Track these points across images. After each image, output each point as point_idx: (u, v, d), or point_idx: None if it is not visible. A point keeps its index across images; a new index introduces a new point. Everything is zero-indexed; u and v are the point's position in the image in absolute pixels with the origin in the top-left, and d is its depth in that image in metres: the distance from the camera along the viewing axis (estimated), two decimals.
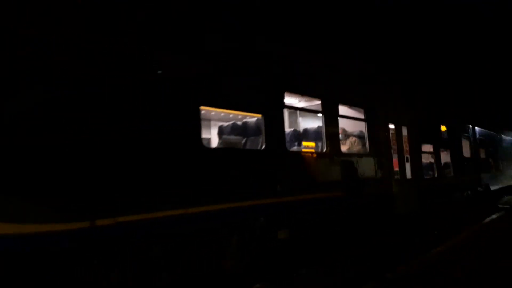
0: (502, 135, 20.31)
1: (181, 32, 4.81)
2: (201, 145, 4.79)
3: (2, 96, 3.27)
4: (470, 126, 15.07)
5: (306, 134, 7.29)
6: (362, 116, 8.14)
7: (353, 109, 8.17)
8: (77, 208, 3.45)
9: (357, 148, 8.08)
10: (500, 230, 8.88)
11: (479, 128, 16.01)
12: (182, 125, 4.46)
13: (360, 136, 8.25)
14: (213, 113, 4.95)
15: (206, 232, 4.62)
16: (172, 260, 4.33)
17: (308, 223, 6.17)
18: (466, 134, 14.39)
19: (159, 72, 4.32)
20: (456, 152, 12.80)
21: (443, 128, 12.35)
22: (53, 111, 3.45)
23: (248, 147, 5.93)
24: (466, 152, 13.94)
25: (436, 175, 11.07)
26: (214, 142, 6.25)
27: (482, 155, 15.97)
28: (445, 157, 11.97)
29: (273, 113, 5.80)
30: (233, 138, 5.89)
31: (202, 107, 4.81)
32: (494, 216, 10.96)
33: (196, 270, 4.57)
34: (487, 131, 17.45)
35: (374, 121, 8.27)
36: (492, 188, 15.59)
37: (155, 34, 4.46)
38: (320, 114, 7.02)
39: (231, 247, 4.97)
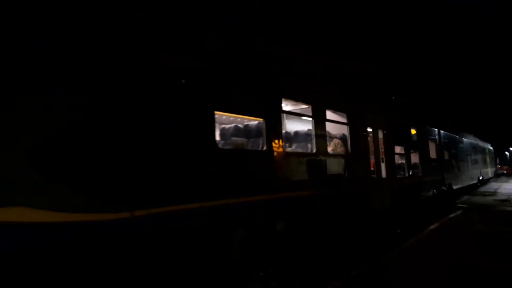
0: (462, 138, 21.95)
1: (205, 54, 5.43)
2: (215, 146, 5.40)
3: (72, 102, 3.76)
4: (436, 129, 16.36)
5: (297, 137, 8.01)
6: (345, 120, 9.00)
7: (337, 113, 8.99)
8: (121, 201, 3.98)
9: (340, 149, 8.89)
10: (458, 227, 9.96)
11: (443, 131, 17.36)
12: (202, 128, 5.07)
13: (342, 139, 9.07)
14: (216, 116, 5.53)
15: (217, 225, 5.24)
16: (190, 249, 4.92)
17: (301, 217, 6.89)
18: (432, 137, 15.61)
19: (183, 81, 4.90)
20: (424, 154, 13.96)
21: (413, 131, 13.46)
22: (106, 122, 3.99)
23: (249, 148, 6.57)
24: (432, 153, 15.19)
25: (406, 175, 12.13)
26: (222, 143, 6.85)
27: (446, 157, 17.32)
28: (414, 158, 13.06)
29: (273, 117, 6.49)
30: (240, 139, 6.51)
31: (216, 112, 5.43)
32: (452, 215, 12.04)
33: (207, 260, 5.16)
34: (449, 133, 18.87)
35: (355, 125, 9.15)
36: (454, 187, 17.02)
37: (186, 56, 5.07)
38: (309, 118, 7.81)
39: (237, 238, 5.61)
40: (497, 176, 41.58)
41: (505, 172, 52.93)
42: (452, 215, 11.81)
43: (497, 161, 51.00)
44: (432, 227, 9.73)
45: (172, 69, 4.76)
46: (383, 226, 9.78)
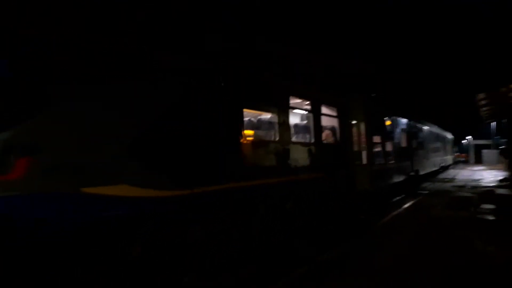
0: (427, 128, 24.01)
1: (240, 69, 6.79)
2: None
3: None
4: (405, 120, 18.14)
5: (298, 128, 9.28)
6: (335, 114, 10.40)
7: (329, 108, 10.34)
8: (185, 182, 5.23)
9: (331, 139, 10.30)
10: (419, 212, 11.68)
11: (411, 122, 19.16)
12: (235, 123, 6.30)
13: (332, 129, 10.46)
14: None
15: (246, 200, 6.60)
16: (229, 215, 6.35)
17: (303, 196, 8.28)
18: (402, 127, 17.36)
19: (222, 84, 6.06)
20: (396, 143, 15.67)
21: (387, 122, 15.11)
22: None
23: (266, 139, 7.82)
24: (403, 142, 16.96)
25: (382, 162, 13.77)
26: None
27: (414, 145, 19.22)
28: (388, 146, 14.72)
29: (283, 112, 7.75)
30: (261, 132, 7.75)
31: (244, 110, 6.64)
32: (415, 200, 13.83)
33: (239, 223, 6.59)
34: (416, 124, 20.74)
35: (343, 118, 10.57)
36: (421, 173, 19.06)
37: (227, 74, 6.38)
38: (306, 112, 9.15)
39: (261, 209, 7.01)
40: (455, 163, 45.08)
41: (462, 159, 57.19)
42: (415, 201, 13.58)
43: (456, 149, 54.84)
44: (395, 212, 11.43)
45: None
46: (362, 205, 11.39)
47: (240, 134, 6.43)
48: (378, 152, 13.87)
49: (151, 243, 4.86)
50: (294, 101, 9.01)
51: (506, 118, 23.82)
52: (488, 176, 26.06)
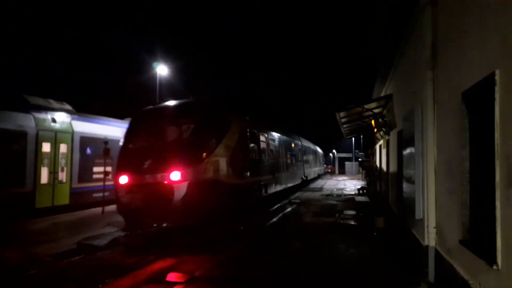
0: (303, 143, 26.66)
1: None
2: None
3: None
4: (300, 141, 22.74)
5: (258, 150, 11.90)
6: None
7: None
8: (241, 177, 11.75)
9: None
10: (292, 219, 12.63)
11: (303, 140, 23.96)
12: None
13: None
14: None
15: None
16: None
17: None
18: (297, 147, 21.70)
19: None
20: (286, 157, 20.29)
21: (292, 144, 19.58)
22: None
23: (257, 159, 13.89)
24: (297, 157, 23.47)
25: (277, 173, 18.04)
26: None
27: (304, 158, 25.30)
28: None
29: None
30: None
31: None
32: (289, 209, 15.02)
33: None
34: (296, 140, 24.40)
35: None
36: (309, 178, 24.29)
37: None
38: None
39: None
40: (324, 173, 50.14)
41: (329, 170, 63.86)
42: (288, 209, 14.57)
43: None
44: (273, 220, 12.15)
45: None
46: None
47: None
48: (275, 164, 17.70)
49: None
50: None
51: (362, 134, 27.42)
52: (350, 185, 29.56)
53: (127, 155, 10.32)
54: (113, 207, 10.71)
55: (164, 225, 9.22)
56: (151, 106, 11.85)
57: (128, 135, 10.99)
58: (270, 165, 16.03)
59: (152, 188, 9.15)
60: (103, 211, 13.04)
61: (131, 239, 9.00)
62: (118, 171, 9.92)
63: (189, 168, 9.27)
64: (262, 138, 15.07)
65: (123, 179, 9.59)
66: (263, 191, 14.79)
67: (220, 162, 10.51)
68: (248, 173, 12.72)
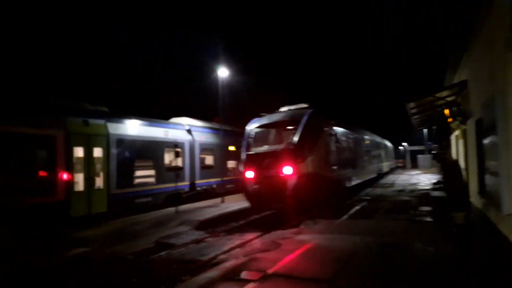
0: (364, 136, 25.24)
1: None
2: None
3: None
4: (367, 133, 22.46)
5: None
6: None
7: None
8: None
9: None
10: (364, 214, 12.22)
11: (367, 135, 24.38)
12: None
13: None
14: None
15: None
16: None
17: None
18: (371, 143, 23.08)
19: None
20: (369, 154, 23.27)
21: (366, 141, 20.98)
22: None
23: None
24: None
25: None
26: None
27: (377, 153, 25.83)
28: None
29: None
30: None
31: None
32: (359, 207, 14.55)
33: None
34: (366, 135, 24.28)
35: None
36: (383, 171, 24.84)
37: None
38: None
39: None
40: (395, 168, 47.82)
41: (400, 164, 60.64)
42: (357, 207, 14.13)
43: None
44: (344, 217, 11.88)
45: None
46: None
47: None
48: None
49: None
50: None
51: (435, 125, 25.70)
52: (424, 179, 27.82)
53: (250, 155, 13.55)
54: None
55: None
56: (264, 114, 14.99)
57: (248, 138, 14.25)
58: (350, 160, 18.41)
59: (272, 180, 12.51)
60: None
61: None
62: (245, 168, 13.29)
63: (298, 164, 12.35)
64: (343, 138, 17.38)
65: (250, 174, 13.14)
66: (346, 182, 17.35)
67: (318, 159, 13.56)
68: (336, 168, 15.35)
